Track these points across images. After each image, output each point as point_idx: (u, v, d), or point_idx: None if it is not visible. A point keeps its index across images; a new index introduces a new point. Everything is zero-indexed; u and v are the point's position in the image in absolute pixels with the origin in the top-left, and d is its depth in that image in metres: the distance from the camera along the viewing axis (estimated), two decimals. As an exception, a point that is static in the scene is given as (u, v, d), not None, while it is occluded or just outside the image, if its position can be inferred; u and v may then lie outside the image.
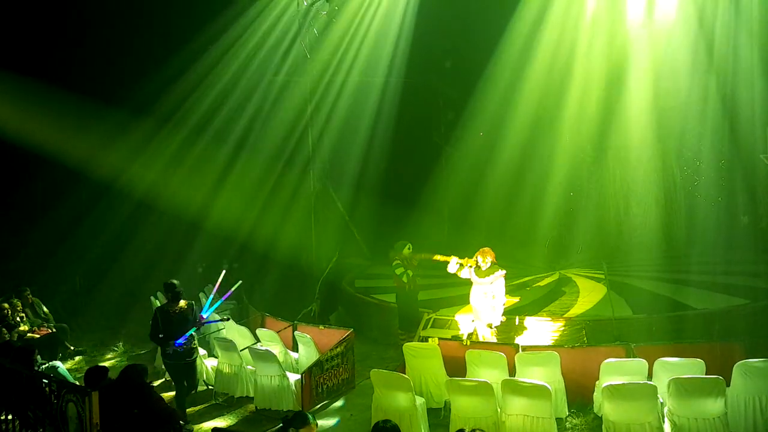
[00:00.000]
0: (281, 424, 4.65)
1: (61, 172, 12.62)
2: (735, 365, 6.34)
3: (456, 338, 8.46)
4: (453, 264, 8.54)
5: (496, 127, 15.02)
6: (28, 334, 9.69)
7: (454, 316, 9.58)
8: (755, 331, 8.52)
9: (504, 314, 8.75)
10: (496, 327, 8.53)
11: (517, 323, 9.19)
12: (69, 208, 13.04)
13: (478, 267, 8.43)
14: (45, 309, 10.43)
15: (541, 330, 9.06)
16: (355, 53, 14.18)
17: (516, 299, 10.31)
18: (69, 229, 13.18)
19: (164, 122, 13.69)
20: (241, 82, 14.09)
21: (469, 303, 8.70)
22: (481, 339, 8.38)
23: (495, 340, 8.39)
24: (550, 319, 9.41)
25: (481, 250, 8.49)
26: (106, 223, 13.53)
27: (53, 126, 12.49)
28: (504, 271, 8.45)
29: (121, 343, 10.88)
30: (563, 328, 9.07)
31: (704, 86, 13.15)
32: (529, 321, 9.26)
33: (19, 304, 10.00)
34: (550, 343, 8.69)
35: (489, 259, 8.38)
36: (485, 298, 8.40)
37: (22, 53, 12.26)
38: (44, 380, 5.16)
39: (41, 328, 10.01)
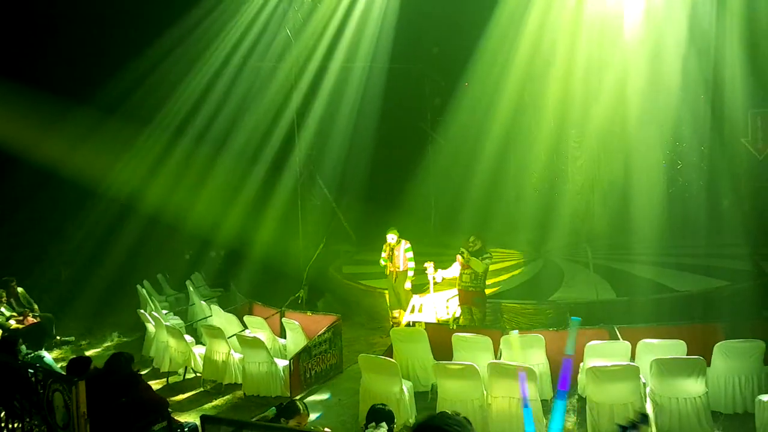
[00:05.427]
0: (276, 412, 4.65)
1: (44, 162, 12.41)
2: (715, 345, 6.47)
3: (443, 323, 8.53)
4: (430, 271, 8.70)
5: (482, 112, 15.04)
6: (10, 321, 9.57)
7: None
8: (735, 312, 8.71)
9: (489, 298, 8.87)
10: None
11: (502, 307, 9.29)
12: (52, 196, 12.87)
13: (466, 252, 8.47)
14: (29, 299, 10.34)
15: (525, 313, 9.16)
16: (340, 39, 14.06)
17: None
18: (53, 217, 13.03)
19: (146, 113, 13.45)
20: (227, 68, 13.93)
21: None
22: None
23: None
24: (534, 302, 9.52)
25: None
26: (90, 211, 13.39)
27: (30, 118, 12.16)
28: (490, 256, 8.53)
29: (108, 332, 10.84)
30: (548, 311, 9.18)
31: (687, 71, 13.24)
32: (514, 304, 9.36)
33: (4, 294, 9.89)
34: (535, 326, 8.79)
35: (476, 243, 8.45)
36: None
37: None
38: (30, 370, 5.14)
39: (27, 318, 9.91)
